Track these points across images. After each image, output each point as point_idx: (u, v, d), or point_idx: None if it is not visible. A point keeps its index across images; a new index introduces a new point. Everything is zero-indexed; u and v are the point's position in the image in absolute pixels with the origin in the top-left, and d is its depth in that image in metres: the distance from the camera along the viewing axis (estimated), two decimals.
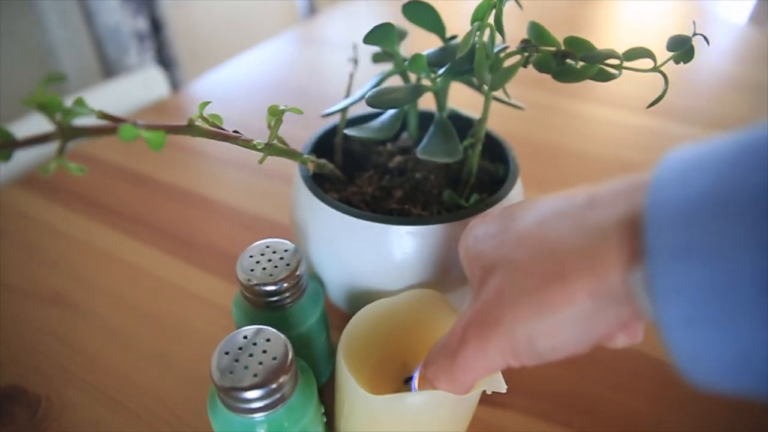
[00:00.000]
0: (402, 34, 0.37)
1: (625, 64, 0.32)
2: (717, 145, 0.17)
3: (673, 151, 0.18)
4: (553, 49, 0.32)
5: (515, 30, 0.32)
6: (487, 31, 0.32)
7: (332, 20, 1.12)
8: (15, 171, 0.61)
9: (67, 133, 0.22)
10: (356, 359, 0.28)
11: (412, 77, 0.38)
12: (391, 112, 0.37)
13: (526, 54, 0.33)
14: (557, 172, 0.61)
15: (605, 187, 0.21)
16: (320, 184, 0.35)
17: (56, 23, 1.15)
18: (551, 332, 0.20)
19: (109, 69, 1.23)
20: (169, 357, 0.40)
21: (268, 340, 0.26)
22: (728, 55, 0.96)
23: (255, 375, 0.25)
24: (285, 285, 0.30)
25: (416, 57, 0.33)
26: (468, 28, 0.31)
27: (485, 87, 0.33)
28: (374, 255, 0.32)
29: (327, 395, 0.36)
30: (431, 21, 0.35)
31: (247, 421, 0.26)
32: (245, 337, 0.27)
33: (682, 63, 0.31)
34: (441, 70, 0.34)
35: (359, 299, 0.34)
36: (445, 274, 0.32)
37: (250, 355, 0.26)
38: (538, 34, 0.33)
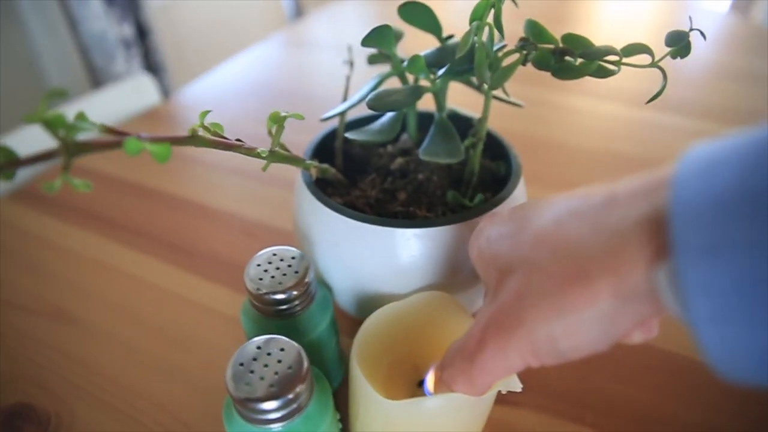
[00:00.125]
0: (398, 36, 0.37)
1: (624, 60, 0.32)
2: (737, 142, 0.17)
3: (692, 149, 0.18)
4: (551, 46, 0.32)
5: (508, 27, 0.32)
6: (486, 30, 0.32)
7: (319, 22, 1.11)
8: (10, 184, 0.60)
9: (71, 149, 0.22)
10: (369, 364, 0.28)
11: (410, 78, 0.38)
12: (390, 113, 0.36)
13: (524, 52, 0.33)
14: (552, 166, 0.61)
15: (621, 186, 0.21)
16: (323, 189, 0.35)
17: (41, 32, 1.14)
18: (573, 332, 0.20)
19: (96, 77, 1.22)
20: (176, 368, 0.40)
21: (281, 349, 0.26)
22: (712, 44, 0.97)
23: (271, 385, 0.25)
24: (294, 293, 0.30)
25: (415, 58, 0.33)
26: (458, 26, 0.31)
27: (485, 86, 0.33)
28: (381, 258, 0.32)
29: (339, 400, 0.36)
30: (428, 21, 0.35)
31: None
32: (259, 347, 0.26)
33: (679, 58, 0.32)
34: (440, 71, 0.34)
35: (367, 303, 0.34)
36: (453, 276, 0.32)
37: (265, 365, 0.26)
38: (536, 32, 0.33)
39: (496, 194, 0.34)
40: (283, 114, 0.29)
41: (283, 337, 0.27)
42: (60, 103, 1.26)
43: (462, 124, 0.38)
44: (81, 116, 0.23)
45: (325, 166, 0.35)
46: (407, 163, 0.37)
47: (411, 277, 0.32)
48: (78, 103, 0.71)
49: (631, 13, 1.07)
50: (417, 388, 0.31)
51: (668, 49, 0.31)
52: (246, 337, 0.34)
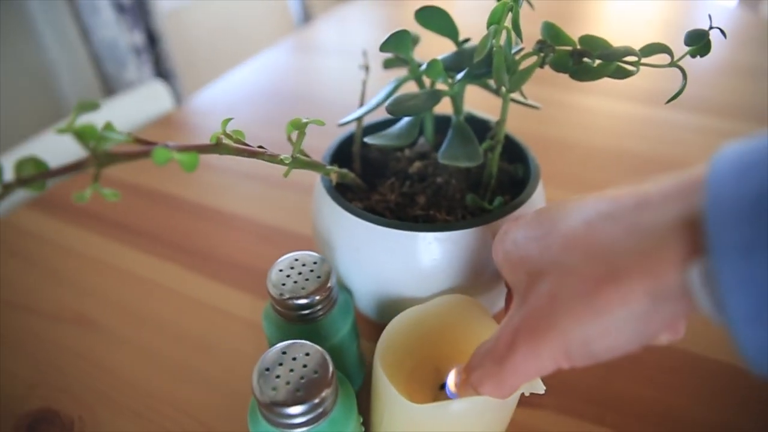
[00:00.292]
0: (415, 40, 0.37)
1: (642, 60, 0.32)
2: None
3: (723, 150, 0.18)
4: (569, 48, 0.33)
5: (522, 29, 0.33)
6: (504, 34, 0.32)
7: (327, 26, 1.12)
8: (25, 192, 0.61)
9: (101, 159, 0.22)
10: (392, 368, 0.28)
11: (426, 82, 0.38)
12: (408, 118, 0.37)
13: (542, 54, 0.33)
14: (566, 166, 0.61)
15: (653, 188, 0.21)
16: (342, 194, 0.35)
17: (54, 42, 1.15)
18: (607, 333, 0.21)
19: (108, 85, 1.23)
20: (197, 372, 0.40)
21: (306, 353, 0.27)
22: (721, 39, 0.96)
23: (297, 390, 0.25)
24: (317, 297, 0.30)
25: (433, 62, 0.33)
26: (468, 24, 0.31)
27: (503, 89, 0.33)
28: (402, 262, 0.32)
29: (360, 403, 0.36)
30: (444, 25, 0.36)
31: None
32: (284, 352, 0.27)
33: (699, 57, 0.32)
34: (459, 75, 0.34)
35: (388, 307, 0.35)
36: (474, 278, 0.32)
37: (291, 370, 0.26)
38: (553, 34, 0.33)
39: (515, 197, 0.34)
40: (304, 120, 0.29)
41: (308, 342, 0.27)
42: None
43: (479, 127, 0.38)
44: (109, 126, 0.23)
45: (345, 171, 0.35)
46: (425, 167, 0.37)
47: (432, 280, 0.32)
48: (93, 111, 0.71)
49: (640, 11, 1.06)
50: (439, 391, 0.31)
51: (686, 48, 0.31)
52: (268, 342, 0.34)
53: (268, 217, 0.55)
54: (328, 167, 0.33)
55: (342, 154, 0.40)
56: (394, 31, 0.33)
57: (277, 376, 0.26)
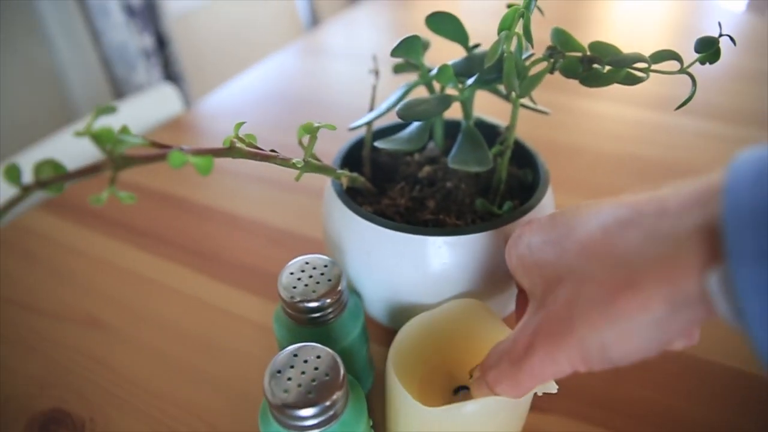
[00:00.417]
0: (425, 45, 0.37)
1: (652, 66, 0.32)
2: None
3: (739, 157, 0.18)
4: (579, 54, 0.33)
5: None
6: (514, 39, 0.32)
7: (335, 30, 1.12)
8: (37, 194, 0.61)
9: (118, 162, 0.23)
10: (405, 373, 0.29)
11: (436, 87, 0.38)
12: (418, 122, 0.37)
13: (552, 60, 0.33)
14: (574, 171, 0.61)
15: (670, 195, 0.21)
16: (352, 198, 0.35)
17: (64, 45, 1.16)
18: (624, 339, 0.21)
19: (117, 88, 1.24)
20: (207, 374, 0.41)
21: (318, 356, 0.27)
22: (729, 45, 0.96)
23: (309, 392, 0.25)
24: (328, 300, 0.30)
25: (444, 68, 0.34)
26: (475, 26, 0.31)
27: (513, 94, 0.34)
28: (412, 266, 0.32)
29: (369, 406, 0.37)
30: (455, 31, 0.36)
31: None
32: (295, 355, 0.27)
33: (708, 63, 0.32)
34: (469, 80, 0.34)
35: (398, 311, 0.35)
36: (484, 283, 0.32)
37: (302, 372, 0.26)
38: (563, 40, 0.33)
39: (524, 202, 0.34)
40: (316, 125, 0.29)
41: (319, 345, 0.27)
42: (83, 113, 1.28)
43: (488, 132, 0.38)
44: (125, 130, 0.24)
45: (355, 175, 0.35)
46: (435, 172, 0.38)
47: (442, 284, 0.32)
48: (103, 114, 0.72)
49: (647, 14, 1.06)
50: (452, 395, 0.31)
51: (695, 54, 0.31)
52: (278, 344, 0.35)
53: (277, 220, 0.56)
54: (339, 171, 0.33)
55: (352, 158, 0.40)
56: (405, 36, 0.33)
57: (289, 379, 0.26)
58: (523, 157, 0.39)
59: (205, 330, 0.44)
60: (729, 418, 0.36)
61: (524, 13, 0.31)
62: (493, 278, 0.33)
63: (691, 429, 0.35)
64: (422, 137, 0.36)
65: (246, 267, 0.50)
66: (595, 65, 0.33)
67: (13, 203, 0.21)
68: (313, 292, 0.30)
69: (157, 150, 0.24)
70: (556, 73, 0.33)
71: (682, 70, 0.31)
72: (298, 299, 0.30)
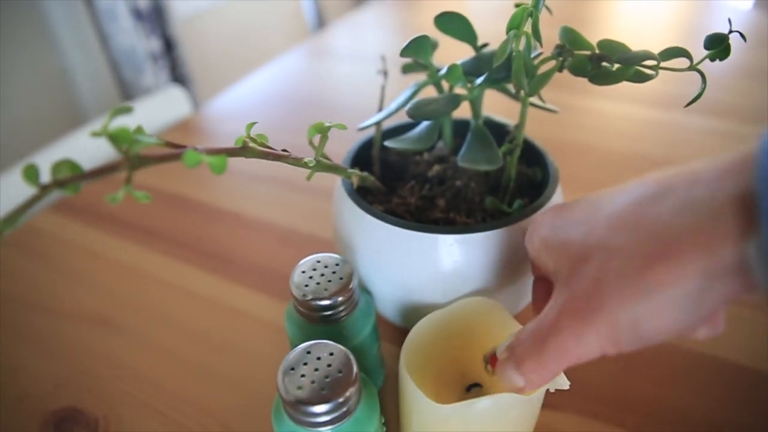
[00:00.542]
0: (434, 46, 0.38)
1: (661, 64, 0.32)
2: None
3: None
4: (587, 53, 0.33)
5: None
6: (523, 38, 0.32)
7: (341, 32, 1.13)
8: (49, 196, 0.62)
9: (134, 162, 0.23)
10: (417, 372, 0.29)
11: (445, 86, 0.38)
12: (427, 122, 0.37)
13: (561, 59, 0.33)
14: (582, 170, 0.61)
15: (701, 166, 0.21)
16: (363, 197, 0.35)
17: (73, 48, 1.17)
18: (657, 314, 0.20)
19: (125, 90, 1.25)
20: (218, 373, 0.41)
21: (330, 353, 0.27)
22: (737, 43, 0.96)
23: (322, 389, 0.25)
24: (339, 298, 0.31)
25: (453, 67, 0.34)
26: (482, 27, 0.31)
27: (522, 93, 0.34)
28: (423, 265, 0.32)
29: (381, 404, 0.37)
30: (463, 31, 0.36)
31: None
32: (308, 352, 0.27)
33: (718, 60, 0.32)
34: (478, 79, 0.34)
35: (409, 310, 0.35)
36: (495, 280, 0.33)
37: (316, 370, 0.26)
38: (571, 39, 0.33)
39: (533, 200, 0.34)
40: (327, 124, 0.30)
41: (332, 342, 0.28)
42: (92, 115, 1.29)
43: (497, 131, 0.38)
44: (140, 130, 0.24)
45: (366, 174, 0.35)
46: (444, 171, 0.38)
47: (453, 283, 0.32)
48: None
49: (654, 13, 1.06)
50: (465, 393, 0.31)
51: (704, 51, 0.31)
52: (290, 343, 0.35)
53: (287, 220, 0.56)
54: (350, 170, 0.34)
55: (361, 158, 0.40)
56: (414, 36, 0.34)
57: (302, 375, 0.26)
58: (532, 156, 0.39)
59: (216, 329, 0.45)
60: (743, 416, 0.35)
61: (533, 12, 0.31)
62: (504, 276, 0.33)
63: (702, 425, 0.35)
64: (431, 136, 0.36)
65: (256, 267, 0.50)
66: (604, 63, 0.33)
67: (31, 203, 0.22)
68: (325, 290, 0.31)
69: (172, 150, 0.24)
70: (564, 73, 0.33)
71: (692, 67, 0.31)
72: (310, 297, 0.30)
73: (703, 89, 0.32)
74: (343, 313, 0.31)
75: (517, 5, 0.31)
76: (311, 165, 0.29)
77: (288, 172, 0.63)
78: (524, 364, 0.25)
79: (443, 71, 0.34)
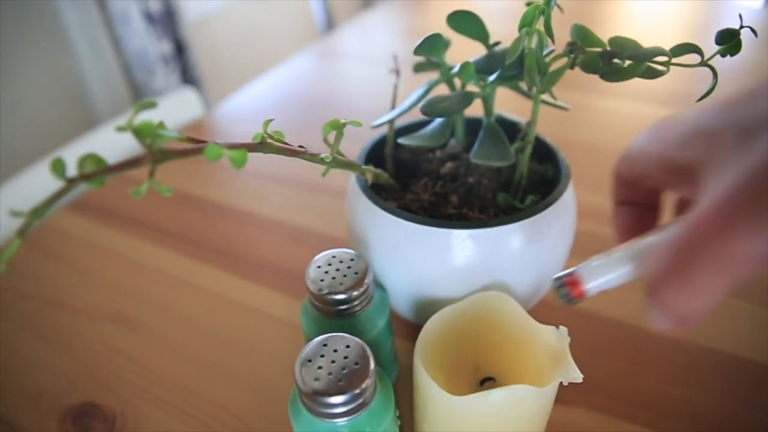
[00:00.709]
0: (447, 44, 0.38)
1: (672, 60, 0.32)
2: None
3: None
4: (599, 50, 0.33)
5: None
6: (535, 36, 0.32)
7: (350, 33, 1.13)
8: (68, 196, 0.63)
9: (157, 156, 0.24)
10: (432, 366, 0.29)
11: (457, 84, 0.39)
12: (440, 119, 0.37)
13: (572, 56, 0.34)
14: (593, 168, 0.61)
15: None
16: (377, 194, 0.36)
17: (86, 51, 1.19)
18: None
19: (137, 93, 1.27)
20: (233, 368, 0.41)
21: (347, 346, 0.27)
22: (747, 41, 0.95)
23: (339, 380, 0.26)
24: (354, 293, 0.31)
25: (466, 65, 0.34)
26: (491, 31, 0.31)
27: (534, 90, 0.34)
28: (437, 260, 0.33)
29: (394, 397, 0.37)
30: (476, 29, 0.36)
31: (331, 426, 0.27)
32: (325, 344, 0.28)
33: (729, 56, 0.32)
34: (491, 77, 0.35)
35: (423, 306, 0.35)
36: (508, 275, 0.33)
37: (332, 362, 0.27)
38: (583, 36, 0.33)
39: (545, 196, 0.35)
40: (342, 121, 0.30)
41: (348, 335, 0.28)
42: (105, 117, 1.31)
43: (509, 129, 0.39)
44: (161, 125, 0.25)
45: (379, 171, 0.36)
46: (457, 168, 0.38)
47: (466, 278, 0.33)
48: (127, 117, 0.74)
49: (664, 12, 1.06)
50: (479, 387, 0.31)
51: (713, 48, 0.31)
52: (305, 337, 0.35)
53: (300, 219, 0.57)
54: (364, 167, 0.34)
55: (374, 156, 0.41)
56: (427, 35, 0.34)
57: (319, 367, 0.27)
58: (544, 153, 0.40)
59: (230, 326, 0.45)
60: (755, 413, 0.36)
61: (545, 10, 0.32)
62: (517, 270, 0.33)
63: (717, 423, 0.35)
64: (444, 134, 0.36)
65: (270, 265, 0.51)
66: (616, 60, 0.33)
67: (58, 195, 0.22)
68: (340, 284, 0.31)
69: (194, 144, 0.25)
70: (575, 72, 0.34)
71: (703, 63, 0.32)
72: (326, 291, 0.31)
73: (715, 84, 0.32)
74: (357, 308, 0.32)
75: (528, 3, 0.32)
76: (327, 161, 0.30)
77: (301, 172, 0.63)
78: (665, 288, 0.19)
79: (456, 69, 0.35)
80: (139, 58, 1.19)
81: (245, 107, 0.84)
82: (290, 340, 0.43)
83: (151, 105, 0.23)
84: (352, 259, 0.32)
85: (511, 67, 0.34)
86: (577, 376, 0.26)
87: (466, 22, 0.36)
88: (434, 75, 0.38)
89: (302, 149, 0.30)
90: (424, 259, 0.33)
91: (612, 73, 0.33)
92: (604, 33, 0.31)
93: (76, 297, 0.49)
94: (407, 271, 0.34)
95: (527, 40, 0.32)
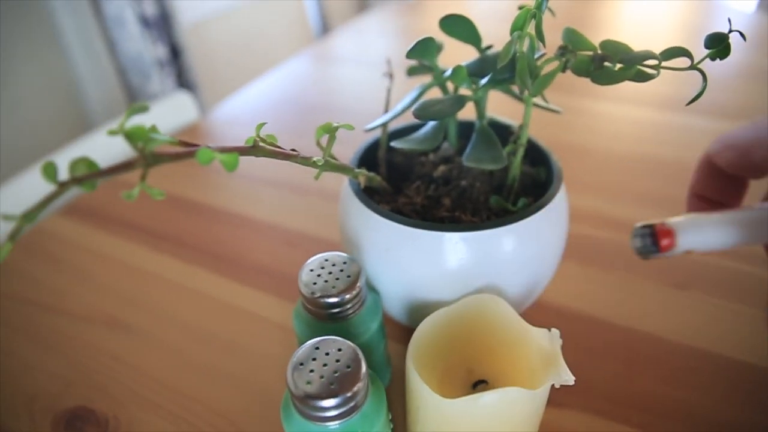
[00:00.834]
0: (439, 48, 0.38)
1: (663, 63, 0.32)
2: None
3: None
4: (590, 53, 0.33)
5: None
6: (527, 40, 0.33)
7: (345, 37, 1.14)
8: (57, 200, 0.63)
9: (149, 159, 0.24)
10: (424, 370, 0.29)
11: (450, 87, 0.39)
12: (432, 123, 0.38)
13: (564, 59, 0.34)
14: (585, 171, 0.61)
15: None
16: (370, 197, 0.36)
17: (81, 55, 1.19)
18: None
19: (132, 96, 1.26)
20: (226, 372, 0.41)
21: (339, 349, 0.27)
22: (738, 44, 0.96)
23: (331, 384, 0.26)
24: (347, 296, 0.31)
25: (458, 69, 0.34)
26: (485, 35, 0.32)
27: (526, 93, 0.34)
28: (430, 263, 0.33)
29: (387, 401, 0.37)
30: (468, 33, 0.37)
31: (323, 429, 0.27)
32: (317, 348, 0.28)
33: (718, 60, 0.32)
34: (483, 80, 0.35)
35: (416, 309, 0.35)
36: (501, 278, 0.33)
37: (324, 365, 0.27)
38: (574, 40, 0.34)
39: (537, 199, 0.35)
40: (335, 125, 0.30)
41: (340, 338, 0.28)
42: (100, 121, 1.31)
43: (501, 132, 0.39)
44: (154, 129, 0.25)
45: (372, 174, 0.36)
46: (450, 171, 0.38)
47: (459, 280, 0.33)
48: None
49: (657, 15, 1.07)
50: (471, 390, 0.31)
51: (705, 51, 0.32)
52: (298, 341, 0.35)
53: (293, 223, 0.57)
54: (357, 170, 0.34)
55: (367, 159, 0.41)
56: (419, 38, 0.34)
57: (311, 371, 0.27)
58: (536, 156, 0.40)
59: (225, 330, 0.45)
60: (745, 412, 0.36)
61: (536, 14, 0.32)
62: (510, 273, 0.33)
63: (706, 423, 0.35)
64: (437, 137, 0.36)
65: (264, 268, 0.51)
66: (606, 63, 0.33)
67: (50, 199, 0.22)
68: (333, 287, 0.31)
69: (186, 148, 0.25)
70: (566, 76, 0.34)
71: (693, 66, 0.32)
72: (319, 295, 0.31)
73: (704, 88, 0.32)
74: (350, 311, 0.32)
75: (520, 7, 0.32)
76: (320, 164, 0.30)
77: (294, 176, 0.64)
78: None
79: (448, 72, 0.35)
80: (134, 61, 1.19)
81: (241, 111, 0.84)
82: (284, 343, 0.43)
83: (143, 109, 0.23)
84: (344, 263, 0.33)
85: (503, 70, 0.34)
86: (569, 379, 0.26)
87: (458, 26, 0.36)
88: (428, 78, 0.38)
89: (295, 153, 0.30)
90: (417, 262, 0.33)
91: (603, 77, 0.34)
92: (597, 36, 0.32)
93: (70, 300, 0.49)
94: (400, 274, 0.34)
95: (519, 43, 0.32)
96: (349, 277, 0.32)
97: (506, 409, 0.27)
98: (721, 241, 0.24)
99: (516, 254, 0.33)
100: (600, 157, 0.64)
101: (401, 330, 0.42)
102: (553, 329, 0.29)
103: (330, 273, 0.32)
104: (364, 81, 0.90)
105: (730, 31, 0.31)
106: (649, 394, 0.37)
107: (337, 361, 0.27)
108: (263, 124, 0.30)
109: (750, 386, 0.37)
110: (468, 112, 0.38)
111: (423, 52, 0.34)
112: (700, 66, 0.32)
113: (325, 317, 0.32)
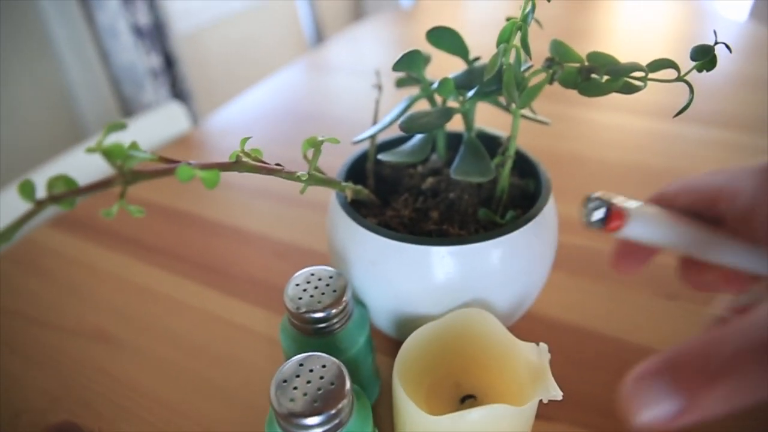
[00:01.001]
0: (427, 60, 0.38)
1: (650, 75, 0.32)
2: None
3: None
4: (577, 65, 0.33)
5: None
6: (513, 52, 0.33)
7: (339, 46, 1.14)
8: (47, 211, 0.62)
9: (128, 177, 0.23)
10: (411, 384, 0.29)
11: (438, 100, 0.39)
12: (420, 135, 0.38)
13: (551, 71, 0.34)
14: (576, 180, 0.61)
15: None
16: (357, 210, 0.36)
17: (74, 65, 1.18)
18: None
19: (126, 106, 1.26)
20: (214, 386, 0.41)
21: (323, 366, 0.27)
22: (730, 53, 0.97)
23: (315, 401, 0.26)
24: (333, 311, 0.31)
25: (445, 81, 0.34)
26: (474, 46, 0.32)
27: (513, 105, 0.34)
28: (417, 277, 0.32)
29: (375, 416, 0.37)
30: (455, 45, 0.37)
31: None
32: (301, 364, 0.27)
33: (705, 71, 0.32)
34: (470, 92, 0.35)
35: (404, 322, 0.35)
36: (488, 292, 0.33)
37: (308, 382, 0.26)
38: (561, 52, 0.34)
39: (526, 211, 0.35)
40: (320, 138, 0.30)
41: (324, 354, 0.28)
42: (92, 131, 1.31)
43: (490, 143, 0.39)
44: (134, 146, 0.25)
45: (359, 187, 0.36)
46: (438, 183, 0.38)
47: (446, 294, 0.33)
48: (113, 132, 0.73)
49: (649, 24, 1.07)
50: (459, 404, 0.31)
51: (693, 63, 0.32)
52: (284, 355, 0.35)
53: (282, 234, 0.56)
54: (344, 183, 0.34)
55: (356, 171, 0.40)
56: (406, 51, 0.34)
57: (295, 388, 0.26)
58: (525, 167, 0.40)
59: (212, 342, 0.45)
60: (735, 424, 0.35)
61: (522, 26, 0.32)
62: (497, 287, 0.33)
63: None
64: (425, 149, 0.36)
65: (253, 281, 0.51)
66: (593, 75, 0.33)
67: (26, 218, 0.22)
68: (319, 302, 0.31)
69: (166, 165, 0.25)
70: (557, 84, 0.34)
71: (679, 78, 0.32)
72: (304, 310, 0.31)
73: (691, 99, 0.32)
74: (337, 326, 0.32)
75: (508, 19, 0.32)
76: (304, 179, 0.30)
77: (284, 187, 0.63)
78: (698, 381, 0.16)
79: (435, 85, 0.35)
80: (127, 72, 1.19)
81: (235, 120, 0.84)
82: (272, 356, 0.43)
83: (121, 126, 0.23)
84: (331, 277, 0.32)
85: (490, 82, 0.34)
86: (557, 394, 0.26)
87: (445, 38, 0.36)
88: (417, 90, 0.38)
89: (279, 167, 0.30)
90: (404, 276, 0.33)
91: (590, 89, 0.33)
92: (587, 46, 0.32)
93: (58, 313, 0.49)
94: (387, 287, 0.34)
95: (505, 56, 0.32)
96: (335, 291, 0.31)
97: (493, 425, 0.26)
98: (661, 243, 0.25)
99: (504, 268, 0.33)
100: (591, 167, 0.64)
101: (390, 343, 0.42)
102: (541, 344, 0.29)
103: (316, 288, 0.32)
104: (358, 90, 0.90)
105: (716, 42, 0.31)
106: None
107: (321, 378, 0.27)
108: (247, 138, 0.30)
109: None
110: (457, 123, 0.38)
111: (409, 64, 0.34)
112: (687, 78, 0.32)
113: (311, 332, 0.32)
